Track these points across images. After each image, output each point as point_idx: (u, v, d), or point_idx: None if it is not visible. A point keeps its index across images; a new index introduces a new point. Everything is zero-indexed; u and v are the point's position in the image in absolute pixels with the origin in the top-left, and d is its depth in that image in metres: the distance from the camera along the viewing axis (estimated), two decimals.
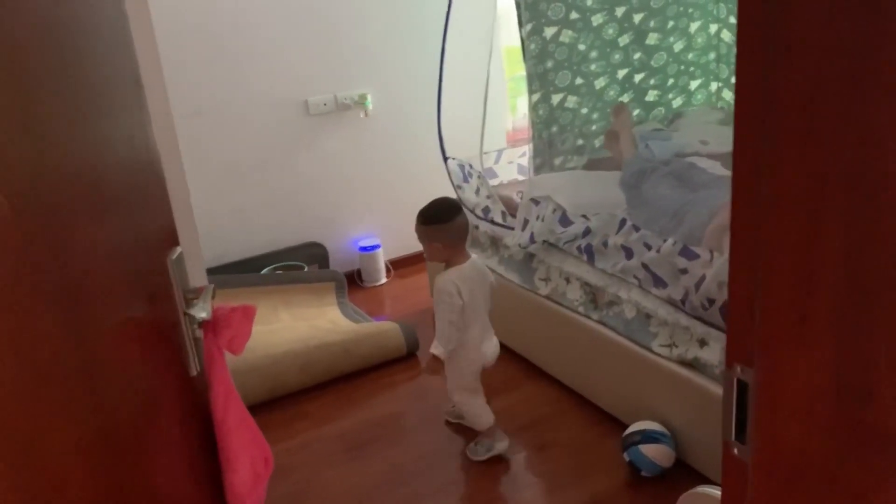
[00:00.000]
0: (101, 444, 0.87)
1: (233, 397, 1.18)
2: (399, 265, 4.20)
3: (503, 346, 3.20)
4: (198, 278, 1.44)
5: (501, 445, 2.57)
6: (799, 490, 0.69)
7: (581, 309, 2.73)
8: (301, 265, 3.82)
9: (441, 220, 2.43)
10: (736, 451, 0.78)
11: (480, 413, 2.56)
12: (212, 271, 3.37)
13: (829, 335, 0.63)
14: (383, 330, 3.25)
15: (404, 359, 3.24)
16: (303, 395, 3.00)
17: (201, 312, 1.06)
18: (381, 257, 4.10)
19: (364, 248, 4.06)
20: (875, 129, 0.58)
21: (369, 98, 3.89)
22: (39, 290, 0.76)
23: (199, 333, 1.12)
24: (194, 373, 1.12)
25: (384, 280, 4.12)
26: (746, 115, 0.67)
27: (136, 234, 1.02)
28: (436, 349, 2.37)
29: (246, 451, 1.20)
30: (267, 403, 2.88)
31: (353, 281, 4.07)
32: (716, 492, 1.79)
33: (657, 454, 2.30)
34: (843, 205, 0.61)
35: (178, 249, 1.10)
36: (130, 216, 1.01)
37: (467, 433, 2.72)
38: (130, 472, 0.94)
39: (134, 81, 1.07)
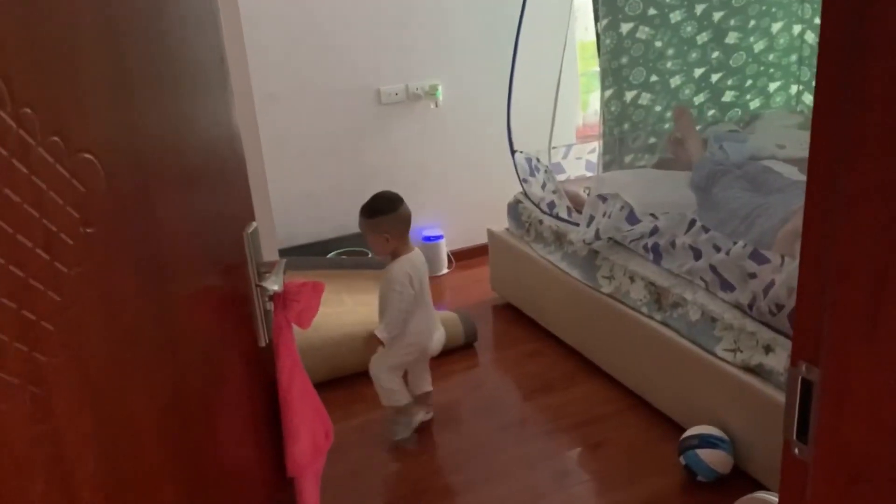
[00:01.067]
0: (175, 407, 0.92)
1: (298, 370, 1.22)
2: (461, 256, 4.22)
3: (560, 342, 3.21)
4: (270, 254, 1.49)
5: (419, 415, 2.63)
6: (861, 491, 0.68)
7: (644, 309, 2.70)
8: (366, 251, 3.88)
9: (385, 211, 2.47)
10: (797, 450, 0.77)
11: (398, 390, 2.58)
12: (279, 253, 3.46)
13: None
14: (443, 319, 3.28)
15: (462, 348, 3.27)
16: (361, 377, 3.05)
17: (273, 285, 1.10)
18: (444, 248, 4.13)
19: (427, 238, 4.10)
20: None
21: (440, 89, 3.92)
22: (128, 256, 0.81)
23: (270, 306, 1.17)
24: (263, 344, 1.16)
25: (445, 270, 4.15)
26: (826, 111, 0.67)
27: (216, 208, 1.07)
28: (380, 333, 2.41)
29: (308, 422, 1.24)
30: (326, 384, 2.94)
31: None
32: (773, 498, 1.75)
33: (714, 459, 2.26)
34: None
35: (254, 224, 1.14)
36: (211, 190, 1.06)
37: (520, 427, 2.73)
38: (199, 435, 0.99)
39: (220, 62, 1.12)
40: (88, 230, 0.71)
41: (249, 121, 1.47)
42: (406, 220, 2.51)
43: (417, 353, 2.59)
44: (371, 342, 2.47)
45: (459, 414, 2.84)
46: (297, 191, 3.75)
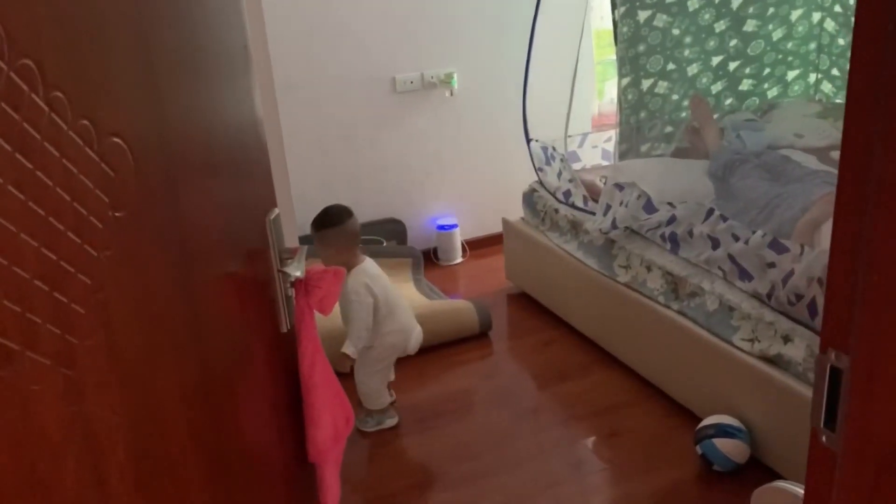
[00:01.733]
0: (202, 390, 0.92)
1: (319, 356, 1.22)
2: (475, 245, 4.22)
3: (575, 331, 3.21)
4: (291, 241, 1.49)
5: (391, 422, 2.69)
6: (891, 479, 0.68)
7: (661, 298, 2.69)
8: (380, 240, 3.89)
9: (332, 223, 2.48)
10: (824, 438, 0.76)
11: (379, 396, 2.65)
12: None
13: None
14: (458, 308, 3.29)
15: (477, 337, 3.27)
16: None
17: (295, 271, 1.10)
18: (458, 237, 4.13)
19: (442, 227, 4.10)
20: None
21: (455, 77, 3.91)
22: (155, 240, 0.81)
23: (291, 292, 1.17)
24: (285, 329, 1.17)
25: (460, 259, 4.15)
26: (860, 94, 0.66)
27: (239, 194, 1.07)
28: (347, 349, 2.47)
29: (329, 408, 1.24)
30: (341, 372, 2.96)
31: (430, 259, 4.11)
32: (793, 488, 1.75)
33: (731, 449, 2.26)
34: None
35: (276, 211, 1.15)
36: (235, 176, 1.06)
37: (534, 416, 2.73)
38: (223, 419, 1.00)
39: (243, 49, 1.12)
40: (117, 214, 0.72)
41: (270, 108, 1.47)
42: (353, 234, 2.53)
43: (398, 353, 2.64)
44: (341, 360, 2.50)
45: (474, 403, 2.85)
46: (313, 179, 3.75)
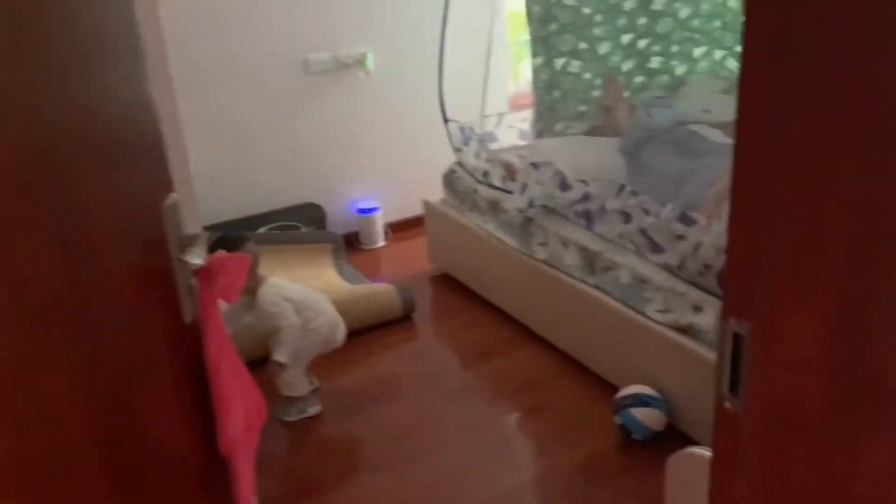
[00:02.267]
0: (95, 386, 0.87)
1: (226, 346, 1.18)
2: (397, 228, 4.19)
3: (498, 310, 3.23)
4: (193, 228, 1.43)
5: (314, 409, 2.68)
6: (792, 439, 0.69)
7: (577, 274, 2.73)
8: (298, 226, 3.81)
9: (228, 251, 2.47)
10: (729, 404, 0.78)
11: (299, 383, 2.65)
12: (207, 230, 3.35)
13: (830, 287, 0.63)
14: (379, 291, 3.26)
15: (400, 321, 3.25)
16: None
17: (196, 259, 1.05)
18: (380, 220, 4.09)
19: (362, 211, 4.05)
20: (890, 79, 0.57)
21: (370, 57, 3.85)
22: (34, 229, 0.76)
23: (194, 281, 1.12)
24: (188, 320, 1.12)
25: (382, 243, 4.11)
26: (755, 66, 0.66)
27: (130, 180, 1.01)
28: (280, 357, 2.51)
29: (239, 399, 1.20)
30: (263, 361, 2.89)
31: (351, 243, 4.06)
32: (705, 452, 1.80)
33: (648, 418, 2.32)
34: (853, 158, 0.60)
35: (173, 196, 1.09)
36: (124, 161, 1.00)
37: (460, 395, 2.74)
38: (123, 414, 0.95)
39: (129, 28, 1.05)
40: None
41: (165, 89, 1.40)
42: (252, 259, 2.49)
43: (322, 345, 2.62)
44: (275, 369, 2.51)
45: (400, 386, 2.84)
46: (223, 165, 3.64)
